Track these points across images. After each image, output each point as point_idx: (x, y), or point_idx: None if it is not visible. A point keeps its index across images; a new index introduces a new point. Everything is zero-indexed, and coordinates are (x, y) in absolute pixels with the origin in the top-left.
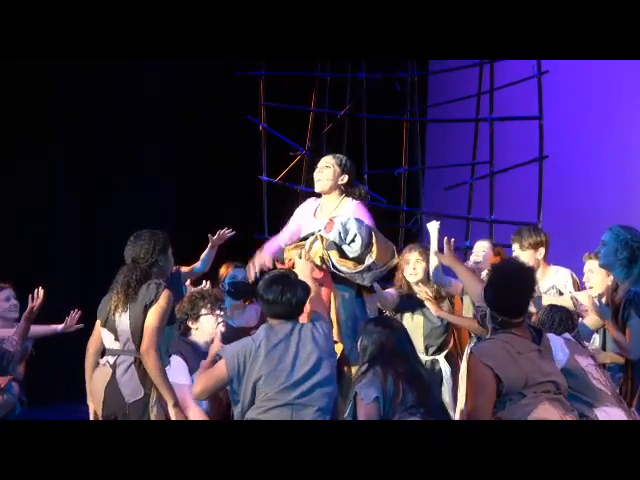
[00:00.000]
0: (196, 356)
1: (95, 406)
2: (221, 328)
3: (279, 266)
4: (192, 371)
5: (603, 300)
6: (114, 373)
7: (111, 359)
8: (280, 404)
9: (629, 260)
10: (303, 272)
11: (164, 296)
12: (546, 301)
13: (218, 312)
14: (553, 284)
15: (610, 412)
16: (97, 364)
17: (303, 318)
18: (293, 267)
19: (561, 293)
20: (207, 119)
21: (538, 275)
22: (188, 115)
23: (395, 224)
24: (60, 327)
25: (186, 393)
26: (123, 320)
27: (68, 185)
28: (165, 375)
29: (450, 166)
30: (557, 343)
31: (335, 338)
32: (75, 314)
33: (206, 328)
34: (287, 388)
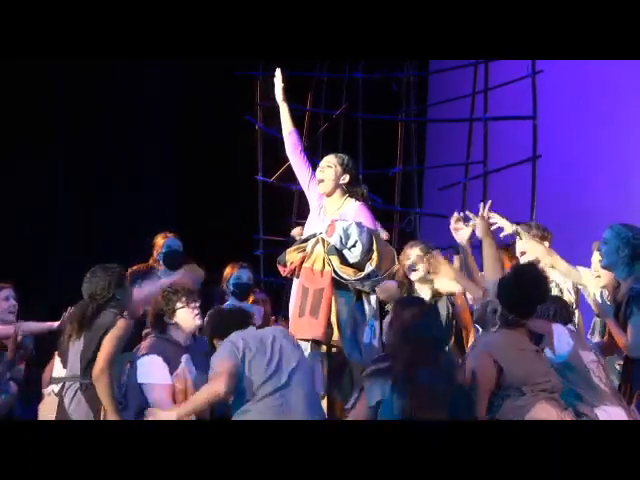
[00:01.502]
0: (177, 353)
1: None
2: (197, 321)
3: (280, 269)
4: (173, 370)
5: (605, 296)
6: (61, 402)
7: (56, 388)
8: (267, 393)
9: (631, 258)
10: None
11: (121, 324)
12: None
13: (193, 304)
14: (552, 279)
15: (610, 411)
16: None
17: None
18: (294, 271)
19: (560, 289)
20: (207, 119)
21: None
22: (188, 115)
23: (389, 224)
24: (56, 324)
25: (163, 393)
26: (76, 347)
27: (68, 185)
28: (115, 402)
29: (443, 166)
30: (562, 333)
31: (335, 341)
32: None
33: (184, 321)
34: (271, 376)
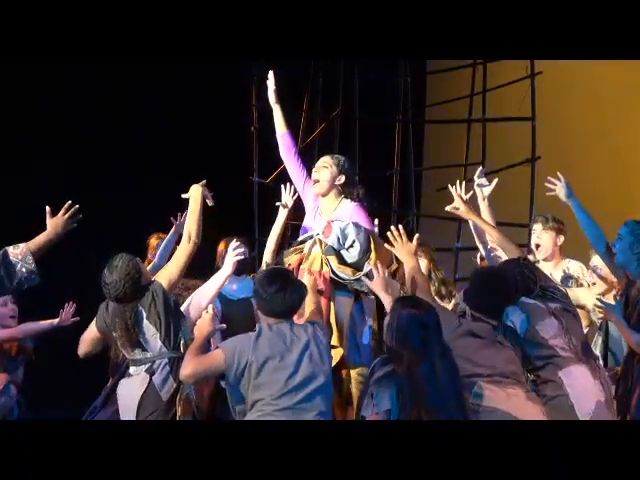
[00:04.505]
0: None
1: (123, 412)
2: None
3: None
4: None
5: (611, 296)
6: (151, 378)
7: (144, 367)
8: (280, 408)
9: None
10: (307, 281)
11: (155, 288)
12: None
13: None
14: (569, 274)
15: (573, 370)
16: (122, 374)
17: (300, 321)
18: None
19: (580, 285)
20: (205, 119)
21: (551, 265)
22: (188, 116)
23: (387, 225)
24: (56, 321)
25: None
26: (144, 337)
27: (68, 185)
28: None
29: (441, 167)
30: (515, 314)
31: (334, 342)
32: (70, 307)
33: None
34: (288, 392)
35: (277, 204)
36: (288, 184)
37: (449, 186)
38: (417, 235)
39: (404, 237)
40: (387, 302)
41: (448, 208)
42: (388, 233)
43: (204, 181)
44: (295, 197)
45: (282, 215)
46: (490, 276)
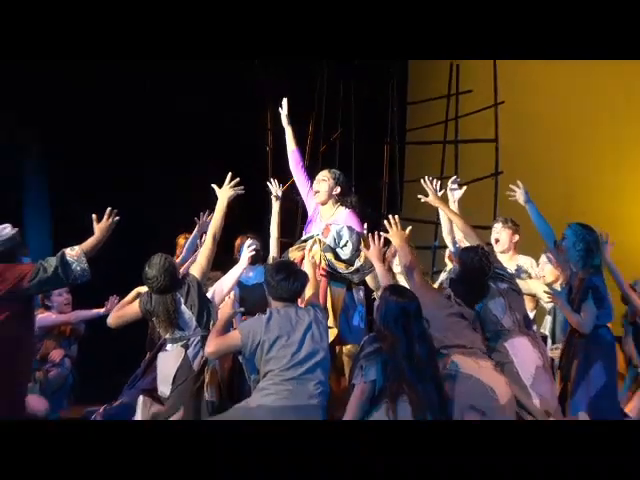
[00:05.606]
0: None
1: (160, 380)
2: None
3: None
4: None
5: (557, 285)
6: (186, 352)
7: (180, 343)
8: (287, 378)
9: (585, 251)
10: (309, 272)
11: (190, 280)
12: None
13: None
14: (520, 266)
15: (515, 342)
16: (159, 349)
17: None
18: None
19: (530, 276)
20: (227, 137)
21: (507, 258)
22: (190, 116)
23: (377, 228)
24: (102, 310)
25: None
26: (182, 319)
27: (68, 185)
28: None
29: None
30: None
31: (330, 324)
32: (114, 299)
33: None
34: (294, 365)
35: (271, 196)
36: (275, 179)
37: (421, 180)
38: (410, 227)
39: (399, 225)
40: (380, 271)
41: (422, 199)
42: (385, 221)
43: (237, 179)
44: (283, 189)
45: (276, 205)
46: (475, 273)
